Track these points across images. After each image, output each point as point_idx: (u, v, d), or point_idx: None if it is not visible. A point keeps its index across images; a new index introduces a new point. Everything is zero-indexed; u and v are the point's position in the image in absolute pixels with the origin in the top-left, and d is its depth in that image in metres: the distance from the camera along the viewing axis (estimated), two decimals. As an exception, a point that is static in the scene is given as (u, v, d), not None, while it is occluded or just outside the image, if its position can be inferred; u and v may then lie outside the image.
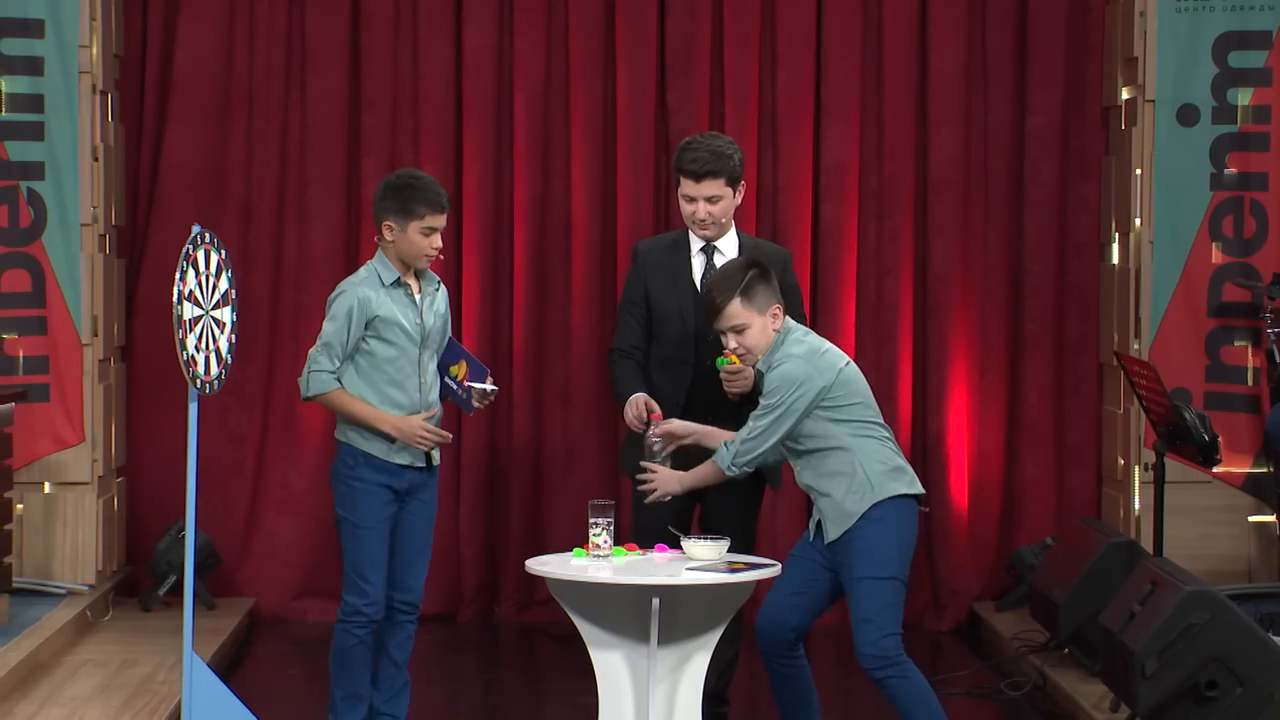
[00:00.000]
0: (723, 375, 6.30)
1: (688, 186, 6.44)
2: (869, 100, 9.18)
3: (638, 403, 6.38)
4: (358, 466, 6.20)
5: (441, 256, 6.30)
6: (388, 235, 6.14)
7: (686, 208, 6.48)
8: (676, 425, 6.11)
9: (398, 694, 6.29)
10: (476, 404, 6.27)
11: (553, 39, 9.18)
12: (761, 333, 5.80)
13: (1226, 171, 8.49)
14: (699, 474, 5.97)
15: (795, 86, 9.14)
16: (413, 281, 6.20)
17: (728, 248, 6.53)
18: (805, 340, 5.81)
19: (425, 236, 6.12)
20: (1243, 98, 8.48)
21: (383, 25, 9.16)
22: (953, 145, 9.15)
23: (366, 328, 6.11)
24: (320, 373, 6.14)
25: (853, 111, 9.14)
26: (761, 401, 5.76)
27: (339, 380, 6.14)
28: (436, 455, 6.27)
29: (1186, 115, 8.50)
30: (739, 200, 6.51)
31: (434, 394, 6.23)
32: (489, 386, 6.24)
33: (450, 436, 6.21)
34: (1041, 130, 9.16)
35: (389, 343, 6.12)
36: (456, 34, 9.19)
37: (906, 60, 9.15)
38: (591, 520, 5.74)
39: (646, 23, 9.12)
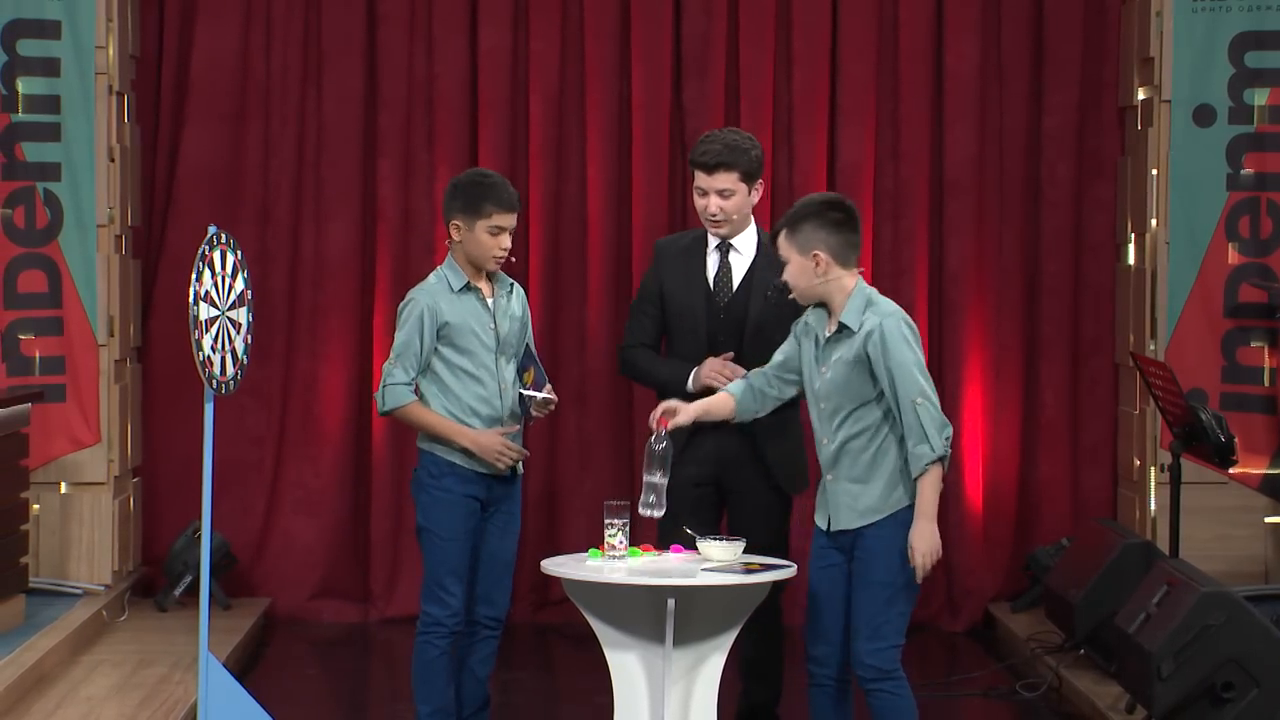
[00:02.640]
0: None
1: (700, 179, 6.33)
2: (884, 100, 9.17)
3: (715, 363, 6.24)
4: (443, 477, 6.05)
5: (513, 259, 6.16)
6: (455, 235, 6.04)
7: (699, 201, 6.37)
8: (682, 416, 5.77)
9: (480, 710, 6.20)
10: (535, 413, 6.13)
11: (568, 39, 9.18)
12: (800, 273, 5.53)
13: (1243, 172, 8.48)
14: (926, 499, 5.45)
15: (810, 87, 9.14)
16: (484, 285, 6.08)
17: (745, 246, 6.44)
18: (889, 302, 5.55)
19: (493, 236, 6.01)
20: (1259, 98, 8.47)
21: (398, 26, 9.17)
22: (968, 146, 9.14)
23: (438, 336, 6.02)
24: (395, 385, 6.02)
25: (868, 112, 9.14)
26: (890, 377, 5.41)
27: (415, 392, 6.04)
28: (520, 465, 6.17)
29: (1203, 115, 8.48)
30: (755, 198, 6.40)
31: (513, 401, 6.11)
32: (543, 395, 6.09)
33: (529, 453, 6.06)
34: (1057, 131, 9.15)
35: (463, 350, 6.02)
36: (472, 35, 9.20)
37: (922, 60, 9.14)
38: (607, 521, 5.72)
39: (662, 23, 9.13)
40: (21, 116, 8.45)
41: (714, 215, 6.35)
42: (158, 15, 9.17)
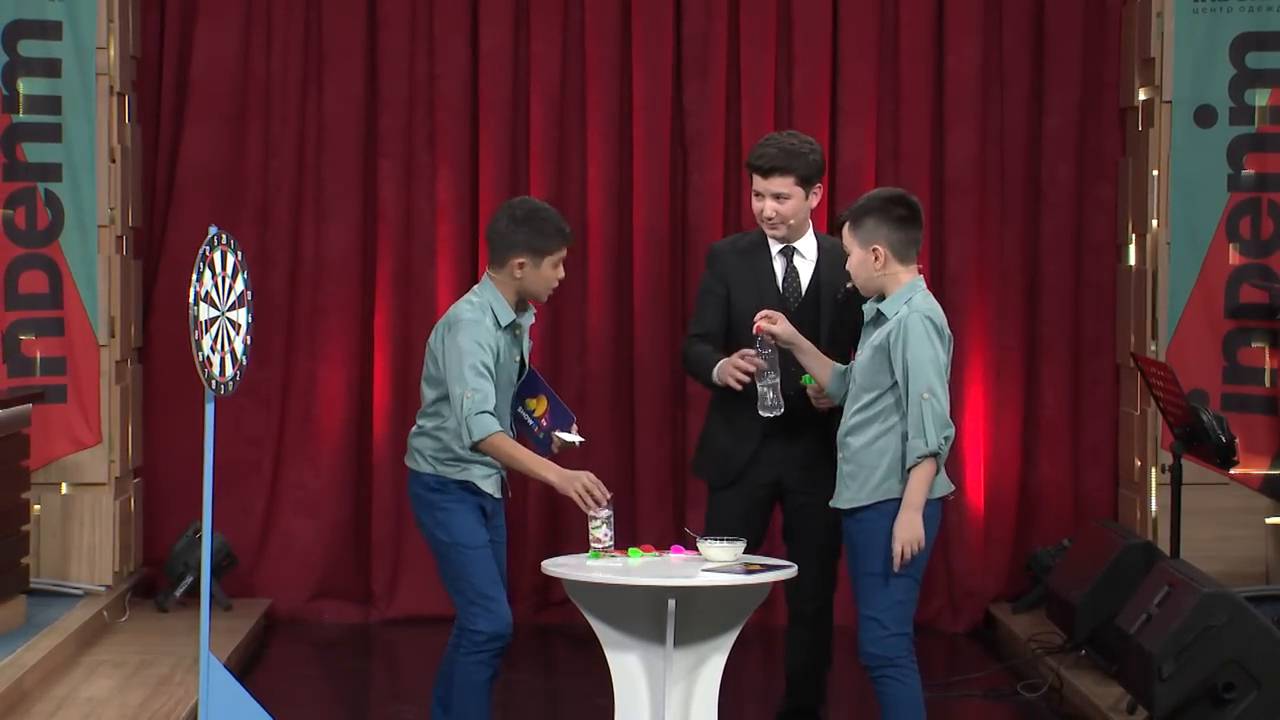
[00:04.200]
0: (810, 392, 6.14)
1: (756, 182, 6.35)
2: (885, 101, 9.17)
3: (733, 359, 6.18)
4: (449, 488, 5.90)
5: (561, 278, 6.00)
6: (517, 273, 5.84)
7: (755, 204, 6.38)
8: (779, 326, 5.98)
9: None
10: (555, 450, 5.99)
11: (569, 40, 9.18)
12: (860, 265, 5.66)
13: (1244, 172, 8.48)
14: (916, 490, 5.49)
15: (811, 87, 9.13)
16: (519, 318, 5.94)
17: (807, 249, 6.42)
18: (934, 302, 5.63)
19: (556, 270, 5.89)
20: (1260, 98, 8.47)
21: (399, 27, 9.17)
22: (969, 146, 9.14)
23: None
24: (484, 414, 5.73)
25: (869, 112, 9.14)
26: (906, 369, 5.49)
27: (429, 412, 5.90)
28: (505, 485, 6.04)
29: (1204, 116, 8.48)
30: (814, 201, 6.38)
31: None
32: (573, 438, 5.96)
33: (611, 495, 5.79)
34: (1058, 131, 9.15)
35: None
36: (473, 36, 9.19)
37: (923, 61, 9.14)
38: (590, 514, 5.70)
39: (662, 24, 9.13)
40: (22, 117, 8.45)
41: (770, 218, 6.35)
42: (158, 16, 9.17)
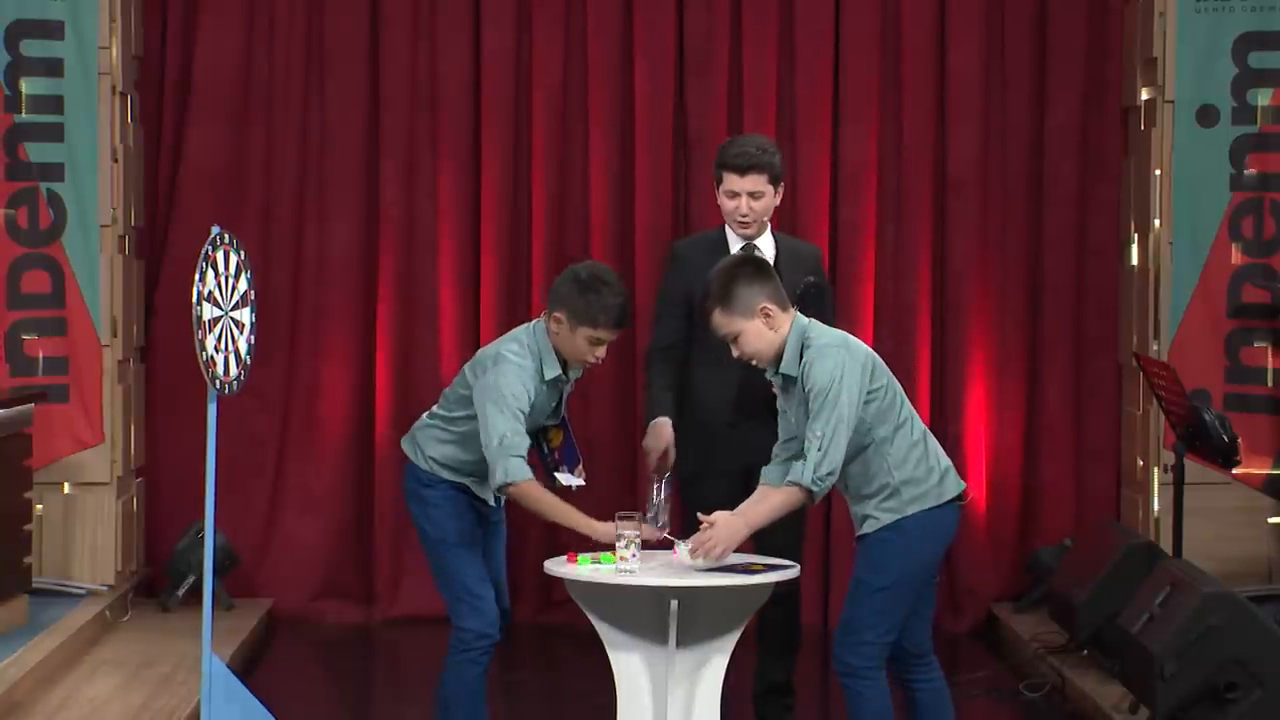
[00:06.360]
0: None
1: (731, 181, 6.46)
2: (888, 99, 9.17)
3: (659, 439, 6.32)
4: (438, 484, 5.91)
5: (599, 361, 5.90)
6: (553, 326, 5.80)
7: (728, 204, 6.48)
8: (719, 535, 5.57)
9: None
10: (557, 486, 5.98)
11: (571, 39, 9.19)
12: (756, 336, 5.48)
13: (1246, 172, 8.47)
14: (764, 509, 5.48)
15: (814, 85, 9.14)
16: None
17: (765, 247, 6.53)
18: (827, 332, 5.51)
19: (591, 345, 5.80)
20: (1263, 98, 8.46)
21: (402, 27, 9.17)
22: (971, 145, 9.14)
23: None
24: (518, 458, 5.69)
25: (871, 110, 9.14)
26: (810, 406, 5.40)
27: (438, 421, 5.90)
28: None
29: (1206, 116, 8.48)
30: (778, 201, 6.54)
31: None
32: (574, 481, 5.95)
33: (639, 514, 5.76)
34: (1060, 130, 9.15)
35: None
36: (475, 35, 9.20)
37: (925, 59, 9.14)
38: (619, 532, 5.59)
39: (664, 22, 9.13)
40: (25, 117, 8.44)
41: (744, 216, 6.47)
42: (161, 15, 9.17)
